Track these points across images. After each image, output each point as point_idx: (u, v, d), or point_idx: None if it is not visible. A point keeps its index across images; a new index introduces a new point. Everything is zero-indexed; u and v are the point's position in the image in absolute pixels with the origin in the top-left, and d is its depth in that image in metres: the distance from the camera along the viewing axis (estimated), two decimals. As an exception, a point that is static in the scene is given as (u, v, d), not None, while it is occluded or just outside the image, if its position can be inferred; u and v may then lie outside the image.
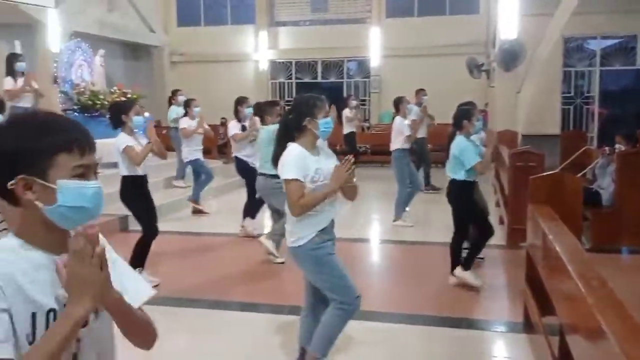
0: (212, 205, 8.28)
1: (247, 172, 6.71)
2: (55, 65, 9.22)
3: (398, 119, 7.28)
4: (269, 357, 3.60)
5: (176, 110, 9.06)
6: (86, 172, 1.24)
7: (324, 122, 3.04)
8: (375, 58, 15.92)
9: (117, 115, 4.72)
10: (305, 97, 3.11)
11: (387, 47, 15.53)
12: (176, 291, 4.68)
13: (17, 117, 1.28)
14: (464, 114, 4.81)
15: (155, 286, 4.43)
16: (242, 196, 6.95)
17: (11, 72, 7.28)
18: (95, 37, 12.37)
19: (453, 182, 4.77)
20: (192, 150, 7.75)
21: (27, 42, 12.15)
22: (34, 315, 1.18)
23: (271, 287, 5.02)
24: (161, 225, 4.99)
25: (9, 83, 7.27)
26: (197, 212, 7.88)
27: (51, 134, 1.21)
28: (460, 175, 4.69)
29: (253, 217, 6.66)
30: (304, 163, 2.94)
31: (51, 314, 1.20)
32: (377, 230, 7.38)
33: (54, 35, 11.63)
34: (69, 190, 1.21)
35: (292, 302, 4.43)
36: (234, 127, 6.86)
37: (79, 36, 11.13)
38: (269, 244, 5.55)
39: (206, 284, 5.00)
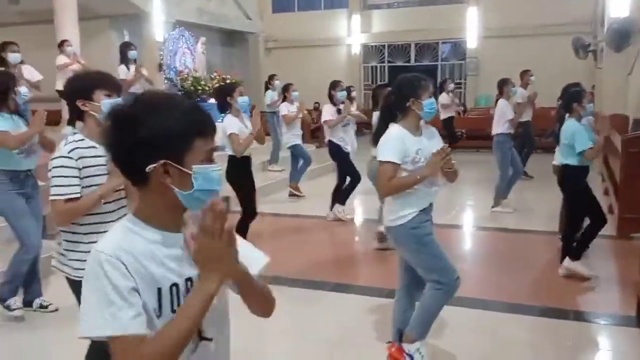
0: (305, 189, 8.41)
1: (339, 156, 6.72)
2: (160, 53, 9.69)
3: (501, 101, 7.01)
4: (363, 337, 3.63)
5: (271, 95, 9.26)
6: (212, 155, 1.27)
7: (429, 103, 2.97)
8: (472, 39, 15.41)
9: (223, 97, 4.88)
10: (409, 78, 3.05)
11: (486, 27, 14.97)
12: (274, 270, 4.80)
13: (152, 99, 1.26)
14: (574, 97, 4.55)
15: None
16: (331, 181, 6.99)
17: (124, 60, 7.72)
18: (195, 25, 12.87)
19: (566, 168, 4.53)
20: (292, 136, 7.84)
21: (134, 32, 12.87)
22: (159, 290, 1.22)
23: (365, 270, 5.05)
24: (259, 207, 5.14)
25: (123, 71, 7.72)
26: (292, 195, 8.03)
27: (189, 118, 1.23)
28: (573, 161, 4.45)
29: (343, 203, 6.67)
30: (403, 145, 2.89)
31: (174, 289, 1.24)
32: (475, 217, 7.18)
33: (159, 24, 12.24)
34: (202, 175, 1.22)
35: (386, 285, 4.43)
36: (328, 111, 6.86)
37: (181, 25, 11.64)
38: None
39: (302, 265, 5.09)
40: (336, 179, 6.84)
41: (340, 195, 6.70)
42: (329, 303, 4.27)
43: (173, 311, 1.23)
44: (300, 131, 7.98)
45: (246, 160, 4.90)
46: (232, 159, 4.85)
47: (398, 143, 2.90)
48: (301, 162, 8.01)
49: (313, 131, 13.11)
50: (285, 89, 8.16)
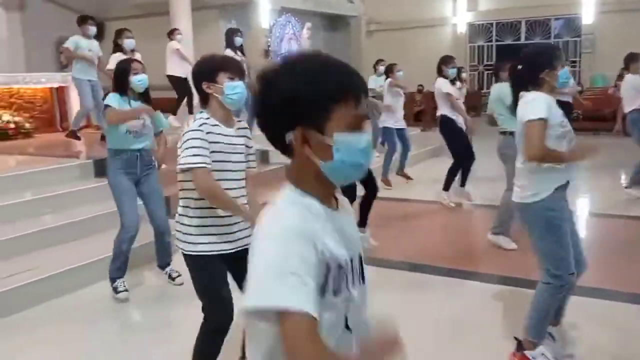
0: (413, 173, 8.27)
1: (453, 132, 6.41)
2: (268, 40, 9.92)
3: (630, 76, 6.50)
4: (475, 325, 3.53)
5: (376, 81, 9.17)
6: (360, 123, 1.13)
7: (563, 73, 2.79)
8: (588, 14, 14.36)
9: None
10: (541, 48, 2.92)
11: (603, 1, 13.89)
12: (383, 255, 4.80)
13: (292, 62, 1.16)
14: None
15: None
16: (437, 165, 6.76)
17: (230, 46, 7.97)
18: (299, 11, 13.05)
19: None
20: (392, 119, 7.70)
21: (242, 20, 13.27)
22: (327, 267, 1.10)
23: (479, 257, 4.90)
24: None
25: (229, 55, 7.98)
26: (402, 175, 7.88)
27: (329, 81, 1.10)
28: None
29: (447, 188, 6.47)
30: (549, 107, 2.70)
31: (339, 268, 1.12)
32: (602, 203, 6.71)
33: (265, 12, 12.53)
34: (345, 145, 1.10)
35: (502, 272, 4.28)
36: (444, 85, 6.49)
37: (286, 11, 11.84)
38: (500, 240, 4.92)
39: (412, 249, 5.03)
40: (451, 159, 6.52)
41: (452, 179, 6.47)
42: (442, 289, 4.19)
43: (334, 293, 1.12)
44: (402, 113, 7.77)
45: None
46: None
47: (546, 102, 2.71)
48: (402, 147, 7.79)
49: (417, 114, 12.89)
50: (389, 69, 8.01)
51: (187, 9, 11.10)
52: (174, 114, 8.44)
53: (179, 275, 4.15)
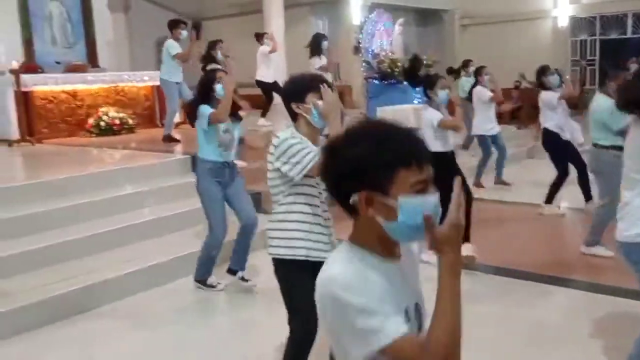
0: (508, 174, 7.92)
1: (556, 147, 6.00)
2: (360, 36, 9.86)
3: None
4: (564, 333, 3.32)
5: (467, 82, 8.85)
6: (425, 186, 1.20)
7: None
8: None
9: (425, 89, 4.73)
10: None
11: None
12: (487, 259, 4.63)
13: (356, 130, 1.26)
14: None
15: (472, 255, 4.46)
16: (532, 166, 6.43)
17: (318, 51, 7.99)
18: (391, 6, 12.87)
19: None
20: (484, 122, 7.35)
21: (332, 17, 13.32)
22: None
23: (582, 264, 4.60)
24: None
25: (317, 62, 7.99)
26: (499, 183, 7.56)
27: (391, 148, 1.19)
28: None
29: (550, 201, 6.04)
30: None
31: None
32: None
33: (356, 8, 12.48)
34: (409, 207, 1.17)
35: (609, 281, 4.03)
36: (551, 99, 6.03)
37: (377, 7, 11.70)
38: (597, 250, 4.62)
39: (506, 253, 4.84)
40: (555, 171, 6.05)
41: (555, 192, 6.01)
42: (533, 295, 4.00)
43: None
44: (494, 116, 7.41)
45: (450, 156, 4.65)
46: (434, 155, 4.67)
47: None
48: (497, 151, 7.44)
49: (513, 111, 12.34)
50: (478, 72, 7.68)
51: (279, 6, 11.27)
52: (263, 115, 8.61)
53: (250, 280, 4.17)
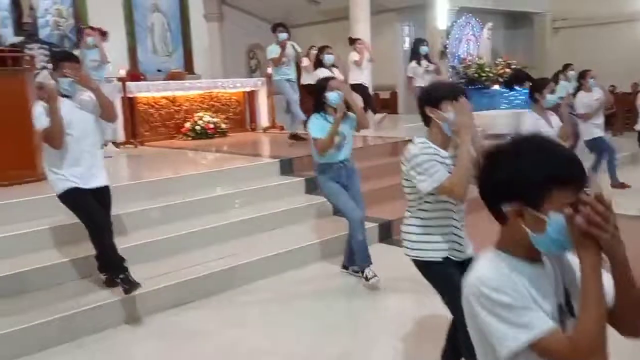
0: (605, 182, 7.58)
1: None
2: (446, 41, 9.84)
3: None
4: None
5: (566, 87, 8.58)
6: (576, 207, 1.21)
7: None
8: None
9: (532, 92, 4.70)
10: None
11: None
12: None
13: (523, 141, 1.31)
14: None
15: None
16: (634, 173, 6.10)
17: (416, 56, 8.05)
18: (479, 10, 12.70)
19: None
20: (592, 127, 7.10)
21: (418, 22, 13.31)
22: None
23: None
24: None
25: (412, 68, 8.06)
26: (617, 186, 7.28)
27: (555, 167, 1.23)
28: None
29: None
30: None
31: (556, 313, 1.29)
32: None
33: (442, 13, 12.42)
34: (559, 224, 1.21)
35: None
36: None
37: (465, 11, 11.60)
38: None
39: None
40: None
41: None
42: None
43: None
44: (602, 119, 7.13)
45: None
46: None
47: None
48: (607, 155, 7.16)
49: (607, 117, 11.79)
50: (582, 75, 7.43)
51: (366, 13, 11.44)
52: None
53: (374, 276, 4.25)
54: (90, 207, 3.73)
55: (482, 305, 1.25)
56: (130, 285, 3.70)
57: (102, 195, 3.83)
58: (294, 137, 7.86)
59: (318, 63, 7.45)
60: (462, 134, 2.44)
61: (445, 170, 2.47)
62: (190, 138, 8.64)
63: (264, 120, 9.75)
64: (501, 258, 1.31)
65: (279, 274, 4.53)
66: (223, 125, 9.00)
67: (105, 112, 3.82)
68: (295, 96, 7.81)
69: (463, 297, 1.33)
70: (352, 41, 9.12)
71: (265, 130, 9.52)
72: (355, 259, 4.38)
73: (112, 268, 3.82)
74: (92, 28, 7.77)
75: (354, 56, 8.83)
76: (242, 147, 7.76)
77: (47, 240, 4.28)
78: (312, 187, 5.76)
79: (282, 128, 9.20)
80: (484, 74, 9.16)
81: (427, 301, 2.77)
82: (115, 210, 4.68)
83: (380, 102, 9.81)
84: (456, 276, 2.46)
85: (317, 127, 4.18)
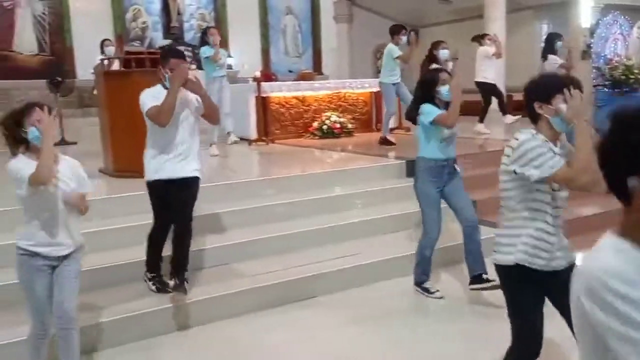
0: None
1: None
2: (590, 40, 9.16)
3: None
4: None
5: None
6: None
7: None
8: None
9: None
10: None
11: None
12: None
13: None
14: None
15: None
16: None
17: (550, 50, 7.60)
18: (627, 7, 11.66)
19: None
20: None
21: (557, 20, 12.51)
22: None
23: None
24: None
25: (550, 62, 7.59)
26: None
27: None
28: None
29: None
30: None
31: None
32: None
33: (586, 10, 11.58)
34: None
35: None
36: None
37: (610, 8, 10.71)
38: None
39: None
40: None
41: None
42: None
43: None
44: None
45: None
46: None
47: None
48: None
49: None
50: None
51: (501, 11, 11.00)
52: (481, 121, 8.48)
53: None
54: (162, 204, 3.79)
55: (604, 300, 1.05)
56: (162, 285, 3.83)
57: (187, 186, 3.79)
58: (385, 141, 7.72)
59: (431, 59, 7.20)
60: (578, 121, 2.31)
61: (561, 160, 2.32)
62: (317, 137, 8.83)
63: (390, 120, 9.69)
64: (623, 244, 1.11)
65: (398, 277, 4.47)
66: (349, 125, 9.10)
67: (209, 115, 3.91)
68: (394, 106, 7.66)
69: (575, 291, 1.13)
70: (479, 38, 8.79)
71: (391, 131, 9.47)
72: (414, 271, 4.22)
73: (177, 266, 3.81)
74: (215, 28, 8.18)
75: (488, 50, 8.50)
76: (367, 147, 7.79)
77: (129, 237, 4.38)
78: (438, 190, 5.64)
79: (408, 129, 9.10)
80: (632, 76, 8.38)
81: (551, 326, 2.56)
82: (242, 204, 4.96)
83: (513, 104, 9.36)
84: (530, 289, 2.37)
85: (431, 109, 3.99)
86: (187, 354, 3.50)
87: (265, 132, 8.60)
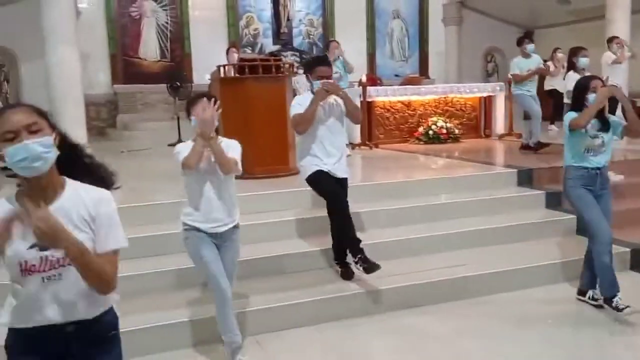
0: None
1: None
2: None
3: None
4: None
5: None
6: None
7: None
8: None
9: None
10: None
11: None
12: None
13: None
14: None
15: None
16: None
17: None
18: None
19: None
20: None
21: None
22: None
23: None
24: None
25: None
26: None
27: None
28: None
29: None
30: None
31: None
32: None
33: None
34: None
35: None
36: None
37: None
38: None
39: None
40: None
41: None
42: None
43: None
44: None
45: None
46: None
47: None
48: None
49: None
50: None
51: (625, 12, 10.23)
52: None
53: (627, 307, 3.79)
54: (334, 186, 4.05)
55: None
56: (369, 264, 3.86)
57: (341, 183, 4.15)
58: (526, 147, 7.48)
59: (570, 66, 6.82)
60: None
61: None
62: (422, 142, 8.71)
63: (499, 126, 9.37)
64: None
65: (510, 291, 4.31)
66: (456, 131, 8.89)
67: (352, 116, 4.16)
68: (538, 111, 7.34)
69: None
70: (610, 40, 8.25)
71: (500, 137, 9.15)
72: (598, 285, 3.97)
73: (351, 248, 4.00)
74: (336, 41, 8.31)
75: (610, 56, 7.97)
76: (475, 154, 7.57)
77: (293, 229, 4.72)
78: (554, 201, 5.37)
79: (519, 136, 8.74)
80: None
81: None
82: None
83: (637, 110, 8.67)
84: None
85: (571, 115, 3.88)
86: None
87: (369, 136, 8.61)
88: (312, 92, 3.98)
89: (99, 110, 12.11)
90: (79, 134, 6.03)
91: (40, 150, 1.65)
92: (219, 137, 3.19)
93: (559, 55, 9.63)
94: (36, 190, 1.73)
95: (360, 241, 3.99)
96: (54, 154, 1.70)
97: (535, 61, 7.43)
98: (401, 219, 5.03)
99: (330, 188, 4.04)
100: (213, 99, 3.09)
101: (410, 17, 14.60)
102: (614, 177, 4.88)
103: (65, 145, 1.78)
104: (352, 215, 4.05)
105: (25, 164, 1.65)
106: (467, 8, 14.62)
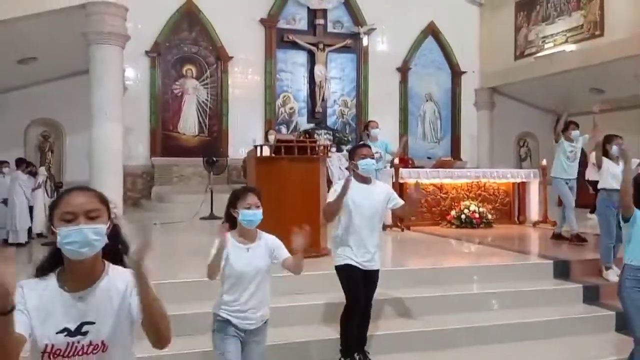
0: None
1: None
2: None
3: None
4: None
5: None
6: None
7: None
8: None
9: None
10: None
11: None
12: None
13: None
14: None
15: None
16: None
17: None
18: None
19: None
20: None
21: None
22: None
23: None
24: None
25: None
26: None
27: None
28: None
29: None
30: None
31: None
32: None
33: None
34: None
35: None
36: None
37: None
38: None
39: None
40: None
41: None
42: None
43: None
44: None
45: None
46: None
47: None
48: None
49: None
50: None
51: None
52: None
53: None
54: (357, 286, 3.92)
55: None
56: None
57: (371, 277, 4.02)
58: (557, 236, 7.34)
59: (604, 153, 6.68)
60: None
61: None
62: (454, 226, 8.62)
63: (534, 213, 9.23)
64: None
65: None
66: (489, 216, 8.79)
67: (404, 212, 4.34)
68: (572, 201, 7.21)
69: None
70: None
71: (534, 224, 8.99)
72: None
73: (354, 348, 3.96)
74: (374, 121, 8.48)
75: None
76: (508, 241, 7.42)
77: (320, 313, 4.60)
78: (592, 296, 5.18)
79: (554, 223, 8.56)
80: None
81: None
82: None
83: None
84: None
85: None
86: None
87: (400, 218, 8.55)
88: (355, 176, 3.98)
89: (135, 182, 12.41)
90: (115, 204, 6.16)
91: (92, 237, 1.67)
92: (258, 231, 3.19)
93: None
94: (77, 273, 1.73)
95: (365, 343, 4.01)
96: (103, 242, 1.71)
97: (576, 146, 7.38)
98: (433, 307, 4.87)
99: (353, 293, 3.94)
100: (258, 194, 3.12)
101: (443, 100, 14.86)
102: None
103: (115, 236, 1.79)
104: (380, 301, 3.95)
105: (74, 248, 1.66)
106: (500, 94, 14.84)
